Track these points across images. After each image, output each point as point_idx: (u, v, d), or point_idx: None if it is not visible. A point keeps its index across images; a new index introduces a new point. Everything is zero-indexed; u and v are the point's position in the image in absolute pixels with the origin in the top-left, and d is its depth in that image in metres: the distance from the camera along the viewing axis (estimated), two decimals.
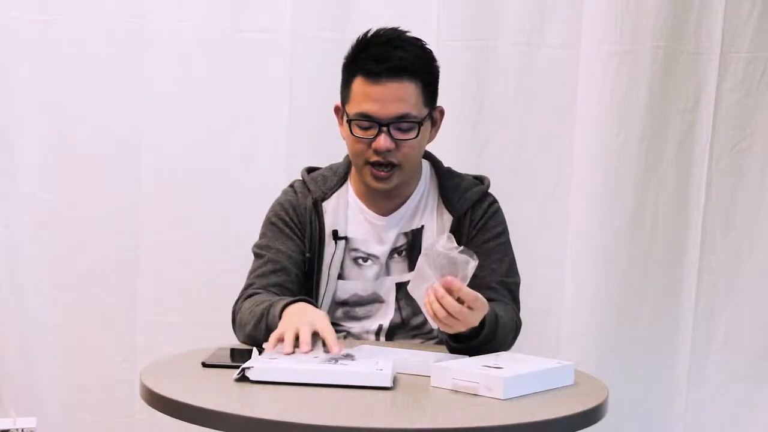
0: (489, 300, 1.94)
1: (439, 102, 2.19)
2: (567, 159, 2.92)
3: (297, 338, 1.85)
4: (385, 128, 2.10)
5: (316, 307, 2.06)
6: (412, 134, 2.12)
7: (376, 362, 1.80)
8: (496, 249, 2.20)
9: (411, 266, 2.18)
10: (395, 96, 2.09)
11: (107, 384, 2.88)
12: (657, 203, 2.93)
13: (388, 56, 2.09)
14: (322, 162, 2.33)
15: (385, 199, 2.21)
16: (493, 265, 2.17)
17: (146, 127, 2.86)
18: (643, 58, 2.87)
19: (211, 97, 2.86)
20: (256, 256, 2.21)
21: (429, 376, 1.77)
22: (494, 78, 2.90)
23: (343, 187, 2.25)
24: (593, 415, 1.69)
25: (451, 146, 2.69)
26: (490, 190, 2.26)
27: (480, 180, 2.28)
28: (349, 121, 2.13)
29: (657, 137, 2.91)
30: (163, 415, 1.66)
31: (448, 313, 1.85)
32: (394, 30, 2.15)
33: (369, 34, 2.15)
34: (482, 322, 1.93)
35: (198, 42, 2.85)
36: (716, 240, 2.95)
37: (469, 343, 1.95)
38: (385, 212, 2.22)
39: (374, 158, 2.13)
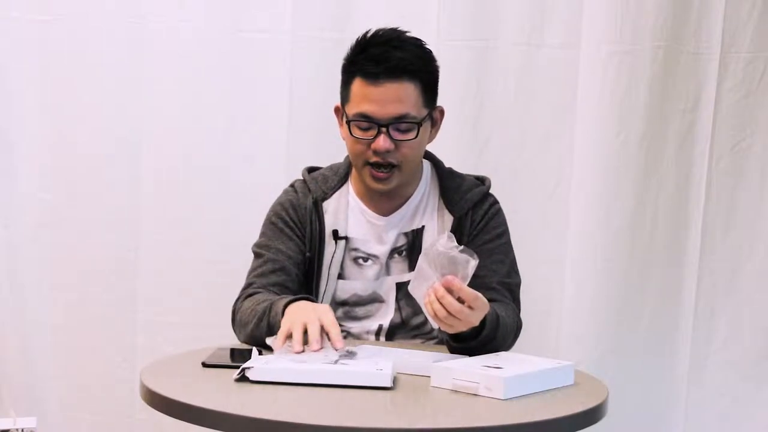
0: (490, 300, 1.94)
1: (439, 102, 2.19)
2: (567, 159, 2.92)
3: (305, 333, 1.85)
4: (384, 129, 2.10)
5: None
6: (412, 135, 2.12)
7: (376, 362, 1.80)
8: (497, 250, 2.20)
9: (411, 266, 2.18)
10: (394, 96, 2.09)
11: (107, 384, 2.88)
12: (657, 203, 2.93)
13: (387, 57, 2.09)
14: (323, 162, 2.33)
15: (385, 199, 2.21)
16: (494, 266, 2.17)
17: (146, 127, 2.86)
18: (643, 58, 2.87)
19: (211, 97, 2.86)
20: (256, 255, 2.22)
21: (429, 376, 1.77)
22: (494, 78, 2.90)
23: (344, 187, 2.25)
24: (593, 415, 1.69)
25: (451, 146, 2.69)
26: (490, 191, 2.26)
27: (481, 180, 2.28)
28: (348, 122, 2.13)
29: (657, 137, 2.91)
30: (163, 415, 1.66)
31: (449, 312, 1.85)
32: (394, 30, 2.15)
33: (368, 35, 2.14)
34: (483, 322, 1.93)
35: (198, 42, 2.85)
36: (716, 240, 2.95)
37: (470, 342, 1.95)
38: (386, 212, 2.22)
39: (374, 159, 2.13)
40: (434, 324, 2.00)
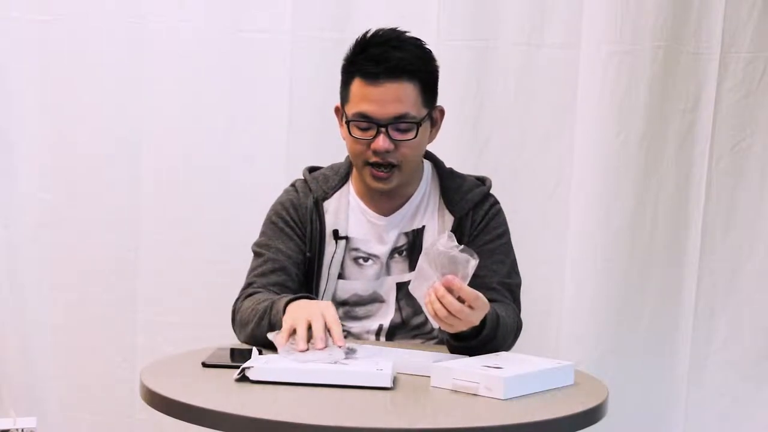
0: (490, 301, 1.93)
1: (439, 102, 2.19)
2: (567, 159, 2.92)
3: (309, 329, 1.85)
4: (383, 129, 2.10)
5: None
6: (411, 134, 2.12)
7: (376, 362, 1.80)
8: (497, 250, 2.20)
9: (411, 266, 2.18)
10: (394, 96, 2.09)
11: (107, 384, 2.88)
12: (657, 203, 2.93)
13: (387, 57, 2.09)
14: (323, 162, 2.33)
15: (386, 199, 2.21)
16: (495, 266, 2.17)
17: (146, 127, 2.86)
18: (643, 58, 2.87)
19: (211, 97, 2.86)
20: (256, 254, 2.21)
21: (429, 376, 1.77)
22: (494, 78, 2.90)
23: (345, 187, 2.25)
24: (593, 415, 1.69)
25: (451, 146, 2.69)
26: (491, 191, 2.26)
27: (482, 181, 2.27)
28: (348, 122, 2.13)
29: (657, 137, 2.91)
30: (163, 415, 1.66)
31: (449, 312, 1.85)
32: (393, 30, 2.15)
33: (368, 35, 2.14)
34: (483, 322, 1.93)
35: (198, 42, 2.85)
36: (716, 240, 2.95)
37: (470, 342, 1.95)
38: (386, 212, 2.22)
39: (373, 159, 2.13)
40: (434, 324, 2.00)
